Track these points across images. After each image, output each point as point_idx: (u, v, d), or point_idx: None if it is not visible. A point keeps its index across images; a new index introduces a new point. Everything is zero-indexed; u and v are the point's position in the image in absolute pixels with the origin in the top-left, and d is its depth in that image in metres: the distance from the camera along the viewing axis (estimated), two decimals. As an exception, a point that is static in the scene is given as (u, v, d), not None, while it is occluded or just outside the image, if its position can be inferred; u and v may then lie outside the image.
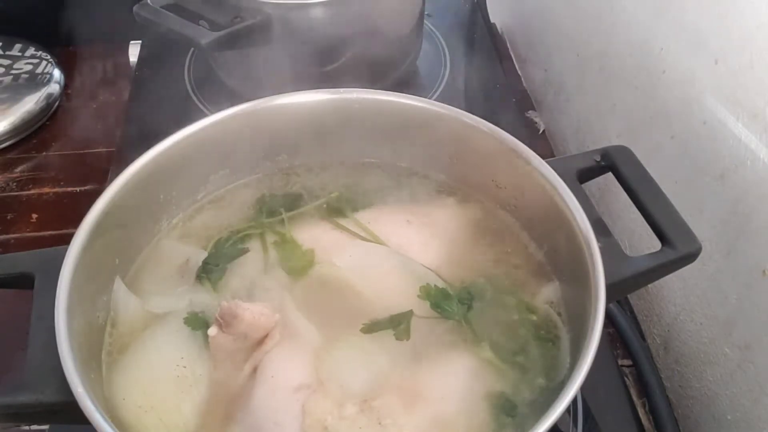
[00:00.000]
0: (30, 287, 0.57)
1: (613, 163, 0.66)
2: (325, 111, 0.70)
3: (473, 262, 0.65)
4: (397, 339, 0.58)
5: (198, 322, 0.59)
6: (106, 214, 0.58)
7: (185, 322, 0.59)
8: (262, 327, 0.57)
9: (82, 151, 1.09)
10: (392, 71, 1.06)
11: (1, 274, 0.58)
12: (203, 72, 1.12)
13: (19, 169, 1.06)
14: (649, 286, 0.86)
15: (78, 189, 1.03)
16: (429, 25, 1.21)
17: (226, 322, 0.56)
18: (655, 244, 0.61)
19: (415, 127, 0.69)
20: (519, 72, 1.28)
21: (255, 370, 0.56)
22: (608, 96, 0.94)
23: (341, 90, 0.69)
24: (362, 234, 0.67)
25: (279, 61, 0.91)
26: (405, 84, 1.08)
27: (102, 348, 0.58)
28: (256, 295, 0.62)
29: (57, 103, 1.15)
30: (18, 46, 1.20)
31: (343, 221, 0.68)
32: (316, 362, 0.56)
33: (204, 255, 0.64)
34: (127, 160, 0.62)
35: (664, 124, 0.80)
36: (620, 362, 0.82)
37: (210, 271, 0.63)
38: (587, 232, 0.56)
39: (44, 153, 1.09)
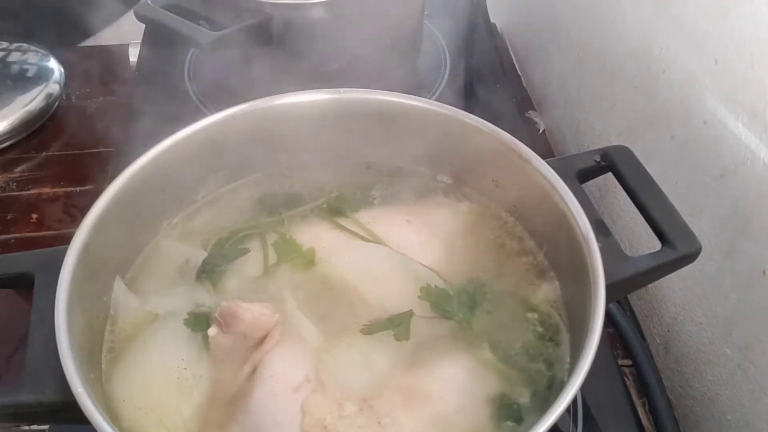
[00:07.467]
0: (30, 287, 0.57)
1: (613, 163, 0.66)
2: (325, 111, 0.70)
3: (473, 261, 0.65)
4: (396, 339, 0.58)
5: (198, 323, 0.59)
6: (106, 214, 0.58)
7: (185, 323, 0.59)
8: (262, 327, 0.57)
9: (82, 151, 1.09)
10: (392, 71, 1.06)
11: (1, 274, 0.58)
12: (203, 72, 1.12)
13: (19, 169, 1.06)
14: (649, 286, 0.86)
15: (78, 189, 1.03)
16: (429, 25, 1.21)
17: (226, 322, 0.56)
18: (655, 244, 0.61)
19: (415, 127, 0.69)
20: (519, 72, 1.28)
21: (255, 370, 0.56)
22: (608, 96, 0.94)
23: (341, 90, 0.69)
24: (362, 234, 0.67)
25: (279, 61, 0.91)
26: (405, 84, 1.08)
27: (102, 348, 0.58)
28: (256, 295, 0.62)
29: (57, 103, 1.15)
30: (18, 45, 1.20)
31: (342, 221, 0.68)
32: (316, 362, 0.56)
33: (204, 255, 0.64)
34: (127, 160, 0.62)
35: (664, 124, 0.80)
36: (620, 362, 0.82)
37: (210, 271, 0.63)
38: (587, 232, 0.56)
39: (44, 153, 1.09)
